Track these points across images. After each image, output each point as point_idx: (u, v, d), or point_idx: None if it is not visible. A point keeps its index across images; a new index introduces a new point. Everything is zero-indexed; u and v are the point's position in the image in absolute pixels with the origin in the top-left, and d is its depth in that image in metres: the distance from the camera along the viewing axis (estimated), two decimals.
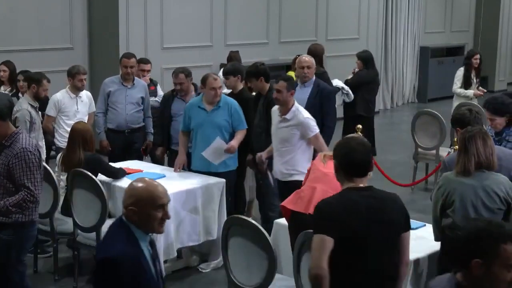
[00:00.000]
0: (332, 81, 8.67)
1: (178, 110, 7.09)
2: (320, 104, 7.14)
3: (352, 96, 8.91)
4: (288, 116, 6.03)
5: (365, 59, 9.19)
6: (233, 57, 10.25)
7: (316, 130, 6.03)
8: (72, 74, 7.29)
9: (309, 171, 5.19)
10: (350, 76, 9.24)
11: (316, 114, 7.11)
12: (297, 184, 5.78)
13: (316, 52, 8.89)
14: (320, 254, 3.53)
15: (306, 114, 6.09)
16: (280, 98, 6.01)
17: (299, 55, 7.98)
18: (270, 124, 6.49)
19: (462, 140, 4.46)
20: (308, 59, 7.38)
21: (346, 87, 8.90)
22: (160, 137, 7.31)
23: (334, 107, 7.43)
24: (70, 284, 6.02)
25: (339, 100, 8.92)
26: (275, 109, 6.20)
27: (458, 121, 5.13)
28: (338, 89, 8.82)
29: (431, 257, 4.68)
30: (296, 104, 6.10)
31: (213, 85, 6.40)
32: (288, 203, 4.98)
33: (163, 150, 7.30)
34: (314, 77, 7.31)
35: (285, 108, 6.05)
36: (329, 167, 4.91)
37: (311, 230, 4.66)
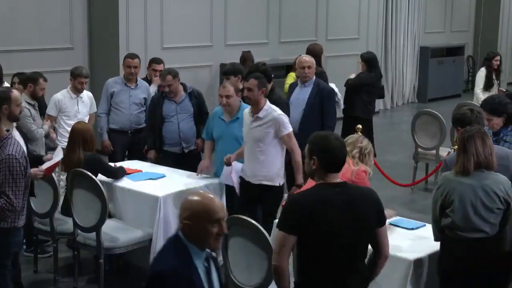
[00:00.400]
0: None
1: (169, 111, 7.02)
2: (320, 103, 7.15)
3: (342, 105, 8.83)
4: (260, 114, 5.81)
5: (368, 60, 9.06)
6: (246, 57, 10.25)
7: (290, 128, 5.84)
8: (74, 75, 7.29)
9: None
10: (352, 76, 9.20)
11: (316, 114, 7.13)
12: (269, 187, 5.83)
13: (315, 52, 8.89)
14: (281, 250, 3.69)
15: (279, 111, 5.88)
16: (251, 97, 5.80)
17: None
18: None
19: (461, 140, 4.47)
20: (308, 59, 7.37)
21: (339, 95, 8.85)
22: (152, 140, 7.18)
23: (334, 106, 7.43)
24: (70, 284, 6.02)
25: None
26: (246, 111, 5.99)
27: (458, 121, 5.12)
28: None
29: (431, 257, 4.68)
30: (268, 103, 5.89)
31: (219, 92, 6.29)
32: None
33: (155, 153, 7.18)
34: (314, 77, 7.32)
35: (257, 107, 5.83)
36: None
37: None
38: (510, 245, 4.48)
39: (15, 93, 5.27)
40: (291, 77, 8.81)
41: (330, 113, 7.20)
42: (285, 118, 5.85)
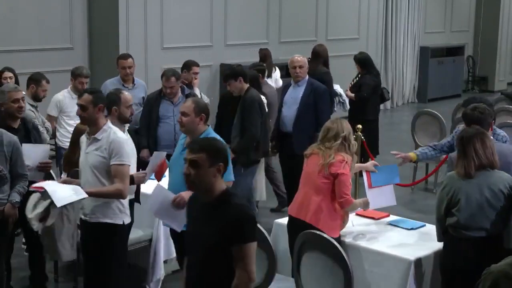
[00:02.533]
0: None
1: (166, 112, 6.96)
2: (314, 102, 7.15)
3: (348, 106, 8.84)
4: (98, 135, 4.73)
5: (362, 61, 9.00)
6: (266, 54, 10.28)
7: (126, 160, 4.68)
8: (75, 75, 7.28)
9: None
10: (348, 93, 9.12)
11: (310, 113, 7.13)
12: (110, 226, 4.73)
13: (321, 53, 8.95)
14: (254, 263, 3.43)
15: (121, 134, 4.81)
16: (85, 116, 4.78)
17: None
18: (244, 124, 6.49)
19: (460, 142, 4.46)
20: (300, 58, 7.33)
21: (344, 96, 8.85)
22: (145, 139, 7.03)
23: (328, 105, 7.43)
24: (70, 284, 6.01)
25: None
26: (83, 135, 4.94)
27: (466, 118, 5.06)
28: (336, 93, 8.80)
29: (431, 256, 4.69)
30: (109, 123, 4.82)
31: (180, 109, 5.11)
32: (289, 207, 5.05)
33: (148, 153, 6.93)
34: (307, 76, 7.31)
35: (94, 127, 4.76)
36: (309, 165, 4.93)
37: (311, 231, 4.69)
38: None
39: (126, 94, 5.30)
40: None
41: (325, 111, 7.18)
42: (125, 146, 4.73)
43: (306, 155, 5.01)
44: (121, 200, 4.74)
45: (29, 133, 5.48)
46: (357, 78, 9.16)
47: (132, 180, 4.84)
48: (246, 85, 6.76)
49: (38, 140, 5.56)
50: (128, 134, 5.30)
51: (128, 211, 4.84)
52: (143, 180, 5.04)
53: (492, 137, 5.21)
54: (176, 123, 6.87)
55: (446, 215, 4.48)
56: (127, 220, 4.84)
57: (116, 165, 4.64)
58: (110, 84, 7.58)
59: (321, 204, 4.80)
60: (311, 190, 4.85)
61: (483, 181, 4.36)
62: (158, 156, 5.26)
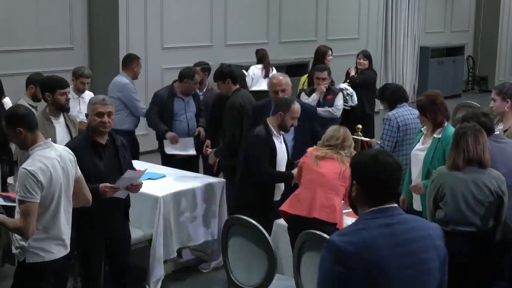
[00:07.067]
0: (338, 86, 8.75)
1: (179, 109, 7.09)
2: (309, 126, 6.19)
3: (356, 100, 8.70)
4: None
5: (370, 57, 9.39)
6: (264, 54, 10.30)
7: (31, 198, 3.94)
8: (77, 75, 7.28)
9: (300, 168, 5.17)
10: (352, 72, 9.29)
11: (307, 137, 6.08)
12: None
13: (317, 53, 9.05)
14: None
15: (34, 163, 3.98)
16: (15, 142, 4.23)
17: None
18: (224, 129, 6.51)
19: (454, 135, 4.54)
20: (283, 81, 6.28)
21: (351, 89, 8.73)
22: (162, 125, 7.05)
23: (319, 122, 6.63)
24: (70, 284, 5.99)
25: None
26: None
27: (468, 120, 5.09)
28: (340, 89, 8.75)
29: None
30: (38, 146, 4.07)
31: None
32: (287, 207, 5.00)
33: (174, 134, 7.01)
34: None
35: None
36: (323, 167, 4.93)
37: (311, 230, 4.69)
38: (504, 239, 4.50)
39: (296, 105, 5.56)
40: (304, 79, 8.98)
41: (319, 131, 6.07)
42: (29, 179, 3.92)
43: (317, 157, 5.00)
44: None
45: (117, 150, 4.88)
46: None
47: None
48: (235, 87, 6.69)
49: (127, 157, 5.00)
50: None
51: (40, 250, 4.09)
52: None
53: None
54: (189, 119, 7.09)
55: (435, 209, 4.52)
56: (32, 258, 4.10)
57: (19, 200, 3.96)
58: (127, 83, 7.53)
59: (340, 205, 4.93)
60: (331, 191, 4.88)
61: (470, 177, 4.40)
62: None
